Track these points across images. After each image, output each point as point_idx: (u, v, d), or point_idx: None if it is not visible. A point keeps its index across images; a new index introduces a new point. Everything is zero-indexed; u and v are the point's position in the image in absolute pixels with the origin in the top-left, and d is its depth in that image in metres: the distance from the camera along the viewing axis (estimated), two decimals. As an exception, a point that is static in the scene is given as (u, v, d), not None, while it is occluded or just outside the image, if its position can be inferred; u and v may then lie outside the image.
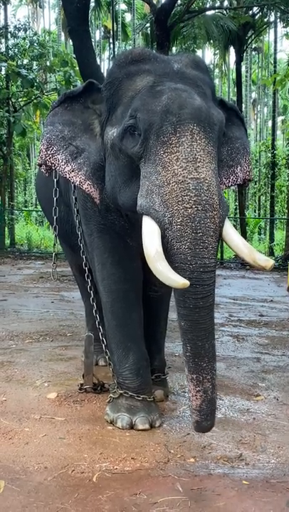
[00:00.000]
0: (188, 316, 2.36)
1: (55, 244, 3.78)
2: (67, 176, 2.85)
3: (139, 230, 2.53)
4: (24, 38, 15.97)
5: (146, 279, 3.13)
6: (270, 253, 18.59)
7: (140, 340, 3.18)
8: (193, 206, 2.29)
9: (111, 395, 3.21)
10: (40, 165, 2.88)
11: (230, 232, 2.53)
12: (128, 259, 3.11)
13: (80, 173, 2.83)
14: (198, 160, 2.35)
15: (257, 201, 29.42)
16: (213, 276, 2.39)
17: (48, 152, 2.83)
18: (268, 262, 2.48)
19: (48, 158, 2.83)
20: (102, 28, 31.49)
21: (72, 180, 2.86)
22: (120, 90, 2.66)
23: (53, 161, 2.84)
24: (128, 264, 3.11)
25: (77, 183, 2.84)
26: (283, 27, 18.10)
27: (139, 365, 3.12)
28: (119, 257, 3.11)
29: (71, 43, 10.87)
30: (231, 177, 3.00)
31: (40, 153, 2.87)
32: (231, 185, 3.02)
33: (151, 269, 2.37)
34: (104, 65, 31.24)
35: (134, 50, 2.78)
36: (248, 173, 3.03)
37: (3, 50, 15.67)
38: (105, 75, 2.96)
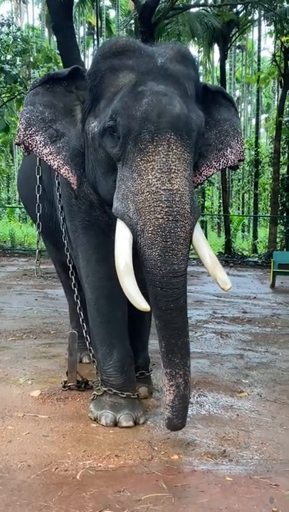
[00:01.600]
0: (161, 317, 2.50)
1: (38, 242, 3.75)
2: (45, 159, 2.82)
3: None
4: (7, 34, 15.78)
5: None
6: (254, 250, 18.70)
7: (124, 337, 3.17)
8: (164, 217, 2.39)
9: (95, 392, 3.20)
10: (18, 144, 2.83)
11: (199, 239, 2.66)
12: (113, 256, 3.09)
13: (58, 157, 2.81)
14: (173, 170, 2.42)
15: (241, 199, 29.56)
16: (183, 280, 2.48)
17: (27, 132, 2.78)
18: (226, 285, 2.64)
19: (25, 138, 2.78)
20: (87, 25, 31.32)
21: (49, 164, 2.84)
22: (103, 84, 2.65)
23: (30, 142, 2.79)
24: (113, 261, 3.10)
25: (55, 166, 2.82)
26: (267, 25, 18.08)
27: (123, 362, 3.11)
28: (103, 253, 3.09)
29: (55, 38, 10.81)
30: (222, 160, 2.99)
31: (18, 132, 2.82)
32: (223, 167, 3.03)
33: (119, 280, 2.53)
34: (89, 61, 31.07)
35: (118, 41, 2.72)
36: (240, 153, 3.01)
37: (-14, 45, 15.50)
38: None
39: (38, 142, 2.79)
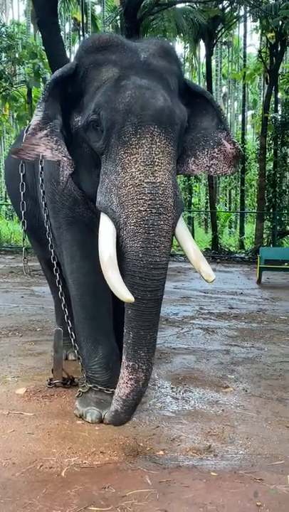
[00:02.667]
0: (135, 306, 2.43)
1: (24, 239, 3.75)
2: None
3: None
4: (-8, 30, 15.71)
5: None
6: (241, 246, 18.76)
7: (110, 333, 3.17)
8: (147, 209, 2.37)
9: (80, 389, 3.20)
10: None
11: (183, 233, 2.65)
12: (97, 251, 3.09)
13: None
14: (156, 163, 2.40)
15: (227, 195, 29.61)
16: (164, 273, 2.46)
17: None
18: (210, 277, 2.60)
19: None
20: (72, 21, 31.14)
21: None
22: (87, 78, 2.64)
23: None
24: (97, 256, 3.10)
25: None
26: (252, 21, 18.12)
27: (108, 358, 3.11)
28: (88, 249, 3.08)
29: (40, 34, 10.73)
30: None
31: None
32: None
33: (102, 272, 2.47)
34: (74, 57, 30.94)
35: (101, 36, 2.72)
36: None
37: (-29, 41, 15.38)
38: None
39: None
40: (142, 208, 2.38)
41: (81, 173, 2.78)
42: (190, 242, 2.68)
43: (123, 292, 2.38)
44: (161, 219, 2.39)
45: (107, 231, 2.51)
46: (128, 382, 2.48)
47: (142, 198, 2.38)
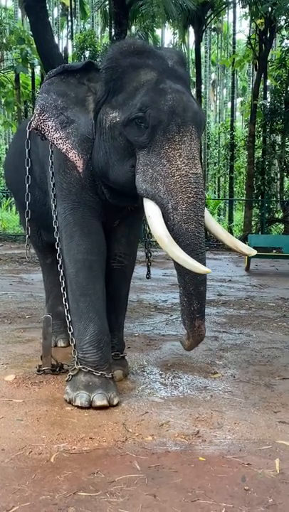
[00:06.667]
0: (203, 281, 2.90)
1: (28, 228, 3.78)
2: (55, 143, 3.07)
3: (112, 207, 3.24)
4: (-21, 14, 15.53)
5: (110, 250, 3.40)
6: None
7: (103, 312, 3.21)
8: (195, 195, 2.80)
9: (70, 372, 3.20)
10: (35, 128, 3.12)
11: (210, 219, 3.05)
12: (96, 232, 3.28)
13: (67, 141, 3.05)
14: (195, 157, 2.83)
15: (216, 182, 29.60)
16: None
17: (40, 117, 3.07)
18: (252, 252, 3.13)
19: (39, 123, 3.08)
20: (60, 6, 30.81)
21: (58, 147, 3.07)
22: (124, 78, 2.92)
23: (43, 127, 3.08)
24: (96, 237, 3.26)
25: (64, 150, 3.05)
26: (242, 7, 18.01)
27: (99, 337, 3.12)
28: (88, 229, 3.23)
29: (28, 19, 10.61)
30: None
31: (33, 117, 3.13)
32: None
33: (166, 251, 2.83)
34: (63, 42, 30.68)
35: (136, 42, 3.07)
36: None
37: None
38: (101, 58, 3.21)
39: (50, 127, 3.06)
40: (190, 195, 2.78)
41: (111, 162, 3.00)
42: (219, 227, 3.13)
43: (197, 265, 2.74)
44: (202, 203, 2.84)
45: (157, 214, 2.83)
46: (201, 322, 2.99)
47: (189, 187, 2.78)
